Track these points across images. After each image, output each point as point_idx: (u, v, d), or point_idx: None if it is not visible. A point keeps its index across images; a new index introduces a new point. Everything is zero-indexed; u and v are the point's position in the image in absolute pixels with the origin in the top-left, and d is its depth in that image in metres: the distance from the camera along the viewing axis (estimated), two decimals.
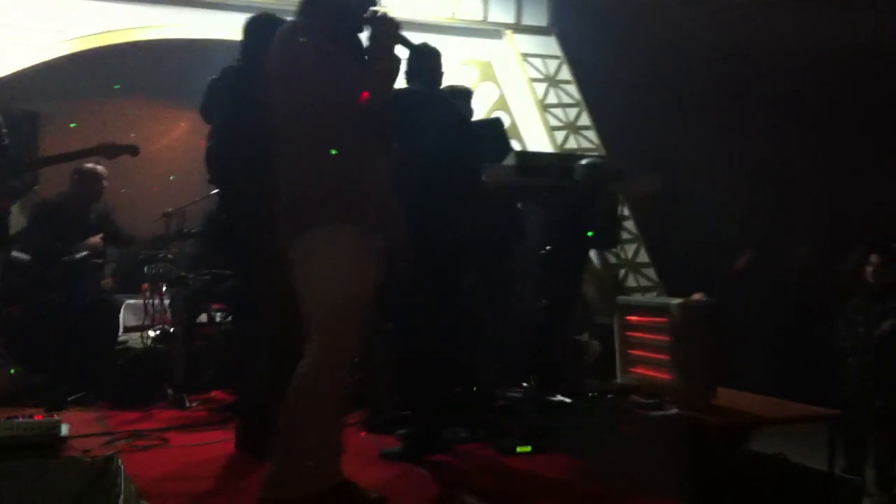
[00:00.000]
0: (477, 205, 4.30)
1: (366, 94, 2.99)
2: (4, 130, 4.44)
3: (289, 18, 3.50)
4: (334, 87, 2.99)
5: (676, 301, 4.95)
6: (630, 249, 8.58)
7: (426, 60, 4.31)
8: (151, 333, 5.89)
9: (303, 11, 3.20)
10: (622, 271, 8.48)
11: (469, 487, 3.53)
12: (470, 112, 5.35)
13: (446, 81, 8.35)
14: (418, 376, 4.09)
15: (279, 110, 3.10)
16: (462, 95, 5.28)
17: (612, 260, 8.37)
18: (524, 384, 4.84)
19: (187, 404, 5.21)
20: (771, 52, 9.40)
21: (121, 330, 6.16)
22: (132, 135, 4.69)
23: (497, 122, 5.69)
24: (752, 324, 6.45)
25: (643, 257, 8.60)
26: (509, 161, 4.88)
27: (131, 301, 6.52)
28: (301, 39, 3.05)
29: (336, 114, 3.00)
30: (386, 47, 3.13)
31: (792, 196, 9.54)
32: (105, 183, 6.02)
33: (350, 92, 2.99)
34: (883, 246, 5.76)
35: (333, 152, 2.99)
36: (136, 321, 6.42)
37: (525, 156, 5.10)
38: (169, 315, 5.95)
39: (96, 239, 5.86)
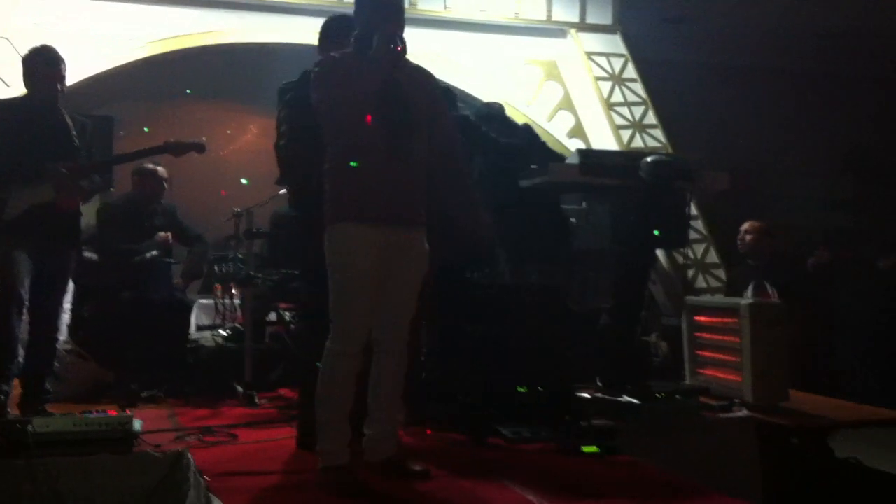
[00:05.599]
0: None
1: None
2: (75, 133, 4.57)
3: None
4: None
5: (747, 301, 4.87)
6: (699, 249, 8.47)
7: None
8: (223, 332, 6.00)
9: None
10: (691, 272, 8.37)
11: (525, 481, 3.51)
12: (504, 125, 5.34)
13: (510, 80, 8.42)
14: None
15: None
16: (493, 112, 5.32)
17: (681, 260, 8.26)
18: (597, 383, 4.82)
19: (257, 402, 5.27)
20: (858, 33, 9.13)
21: (193, 329, 6.27)
22: (203, 138, 4.75)
23: (527, 129, 5.66)
24: (831, 323, 6.28)
25: (713, 258, 8.48)
26: (573, 159, 4.85)
27: (204, 301, 6.66)
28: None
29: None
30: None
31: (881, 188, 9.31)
32: (165, 183, 6.12)
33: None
34: None
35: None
36: (208, 320, 6.57)
37: (589, 154, 5.05)
38: (239, 314, 6.06)
39: (164, 236, 5.94)
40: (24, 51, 4.65)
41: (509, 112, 5.88)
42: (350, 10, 3.65)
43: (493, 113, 5.27)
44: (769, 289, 5.06)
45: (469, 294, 4.71)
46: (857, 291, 6.41)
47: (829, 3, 8.53)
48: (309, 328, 4.23)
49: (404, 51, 3.40)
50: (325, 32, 4.13)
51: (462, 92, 7.80)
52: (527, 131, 5.54)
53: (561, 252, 5.21)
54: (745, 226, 6.62)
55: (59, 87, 4.57)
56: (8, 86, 6.90)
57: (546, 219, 5.13)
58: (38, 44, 4.66)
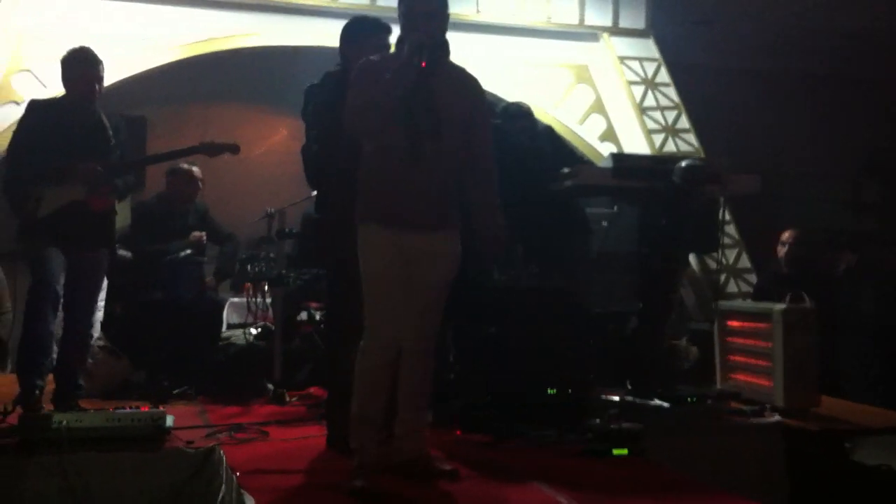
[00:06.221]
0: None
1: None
2: (110, 133, 4.62)
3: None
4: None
5: (779, 306, 4.85)
6: (731, 254, 8.42)
7: None
8: (253, 331, 6.04)
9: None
10: (722, 276, 8.32)
11: (554, 482, 3.51)
12: (531, 128, 5.34)
13: (540, 83, 8.39)
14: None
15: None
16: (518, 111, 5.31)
17: (712, 265, 8.21)
18: (627, 386, 4.82)
19: (287, 399, 5.31)
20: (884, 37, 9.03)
21: (224, 327, 6.32)
22: (235, 141, 4.79)
23: (548, 131, 5.66)
24: (855, 328, 6.22)
25: (744, 262, 8.43)
26: (606, 163, 4.85)
27: (235, 300, 6.70)
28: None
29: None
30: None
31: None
32: (200, 183, 6.18)
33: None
34: None
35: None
36: (239, 319, 6.61)
37: (621, 157, 5.04)
38: (270, 313, 6.10)
39: (198, 235, 6.00)
40: (61, 52, 4.71)
41: (537, 114, 5.87)
42: (378, 13, 3.69)
43: (518, 112, 5.28)
44: (807, 299, 5.01)
45: (485, 295, 4.70)
46: (858, 291, 6.34)
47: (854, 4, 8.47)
48: (332, 327, 4.27)
49: (436, 58, 3.39)
50: (344, 34, 4.16)
51: (492, 95, 7.80)
52: (548, 133, 5.55)
53: (579, 253, 5.22)
54: (786, 236, 6.50)
55: (96, 87, 4.62)
56: (45, 86, 7.01)
57: (564, 220, 5.14)
58: (75, 45, 4.73)
